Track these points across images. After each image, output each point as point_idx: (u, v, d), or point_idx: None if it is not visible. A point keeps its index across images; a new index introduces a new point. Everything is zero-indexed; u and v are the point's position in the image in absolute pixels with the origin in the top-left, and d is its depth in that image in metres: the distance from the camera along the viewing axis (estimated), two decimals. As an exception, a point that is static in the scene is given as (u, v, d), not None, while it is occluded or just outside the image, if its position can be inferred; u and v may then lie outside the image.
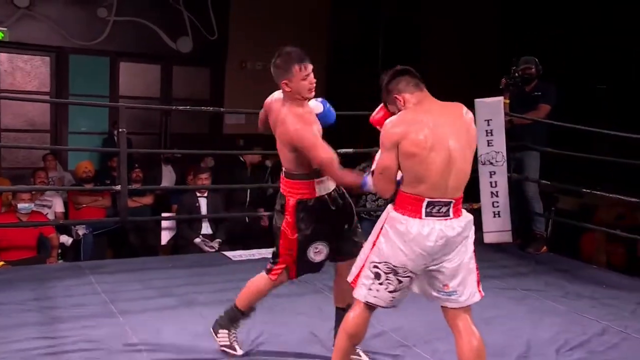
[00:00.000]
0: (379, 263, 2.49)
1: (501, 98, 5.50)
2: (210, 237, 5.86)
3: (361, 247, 2.71)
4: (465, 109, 2.55)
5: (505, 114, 5.48)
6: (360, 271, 2.57)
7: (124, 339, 3.28)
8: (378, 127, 2.63)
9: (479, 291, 2.58)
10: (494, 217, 5.48)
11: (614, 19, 8.20)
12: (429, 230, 2.41)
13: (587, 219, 6.25)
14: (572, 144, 5.74)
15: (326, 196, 2.89)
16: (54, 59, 8.74)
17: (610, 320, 3.83)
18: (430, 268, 2.49)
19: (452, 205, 2.45)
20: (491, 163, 5.50)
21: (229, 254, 5.16)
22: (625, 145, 5.52)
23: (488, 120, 5.49)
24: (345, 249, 2.98)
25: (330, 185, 2.91)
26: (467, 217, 2.51)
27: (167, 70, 9.54)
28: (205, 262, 4.95)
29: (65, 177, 7.61)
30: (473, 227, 2.54)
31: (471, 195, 5.79)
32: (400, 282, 2.49)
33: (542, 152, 5.54)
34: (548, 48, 7.54)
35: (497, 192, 5.48)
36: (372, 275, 2.50)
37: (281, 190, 2.95)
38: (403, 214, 2.44)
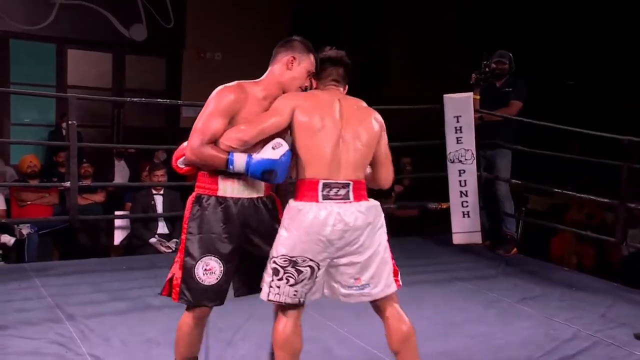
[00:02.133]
0: (277, 258, 2.49)
1: (471, 94, 5.54)
2: (167, 237, 5.81)
3: None
4: (375, 113, 2.64)
5: (475, 110, 5.53)
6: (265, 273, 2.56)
7: (71, 347, 3.23)
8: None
9: (396, 281, 2.62)
10: (463, 217, 5.52)
11: (583, 12, 8.37)
12: (326, 213, 2.44)
13: (557, 220, 6.38)
14: (542, 142, 5.84)
15: (230, 199, 2.54)
16: (-8, 44, 8.55)
17: (580, 325, 3.92)
18: (340, 262, 2.51)
19: (351, 187, 2.49)
20: (460, 161, 5.53)
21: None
22: (597, 144, 5.65)
23: (457, 117, 5.52)
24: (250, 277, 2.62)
25: (246, 189, 2.56)
26: (371, 203, 2.55)
27: (119, 59, 9.43)
28: (161, 264, 4.85)
29: (7, 172, 7.46)
30: (382, 214, 2.57)
31: (440, 194, 5.86)
32: (300, 272, 2.47)
33: (513, 150, 5.61)
34: (517, 40, 7.65)
35: (466, 191, 5.52)
36: (271, 272, 2.50)
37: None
38: (301, 201, 2.48)
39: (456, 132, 5.53)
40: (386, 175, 2.69)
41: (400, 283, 2.65)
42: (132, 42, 9.16)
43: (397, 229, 6.60)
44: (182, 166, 2.62)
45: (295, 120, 2.50)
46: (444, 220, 5.74)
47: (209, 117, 2.46)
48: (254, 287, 2.62)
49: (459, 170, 5.54)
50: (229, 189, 2.54)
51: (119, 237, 6.10)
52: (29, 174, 6.43)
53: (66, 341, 3.30)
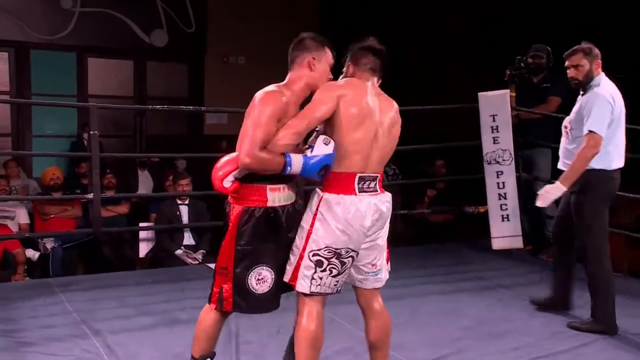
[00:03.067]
0: (319, 250, 2.60)
1: (507, 91, 5.50)
2: (193, 248, 5.82)
3: None
4: (396, 106, 2.78)
5: (512, 108, 5.49)
6: (297, 266, 2.64)
7: (99, 363, 3.24)
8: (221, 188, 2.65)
9: (387, 268, 2.83)
10: (503, 221, 5.48)
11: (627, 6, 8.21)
12: (366, 205, 2.61)
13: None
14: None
15: (279, 208, 2.66)
16: (14, 54, 8.67)
17: (634, 334, 3.81)
18: (362, 247, 2.67)
19: (378, 180, 2.68)
20: (498, 162, 5.51)
21: (213, 266, 5.07)
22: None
23: (493, 116, 5.51)
24: None
25: (290, 195, 2.71)
26: (389, 194, 2.75)
27: (140, 66, 9.52)
28: (188, 276, 4.91)
29: (30, 185, 7.55)
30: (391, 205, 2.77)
31: (477, 197, 5.79)
32: (343, 263, 2.62)
33: (553, 148, 5.52)
34: (556, 33, 7.54)
35: (505, 193, 5.48)
36: (313, 265, 2.61)
37: (229, 197, 2.74)
38: (338, 193, 2.60)
39: (492, 132, 5.52)
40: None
41: (389, 268, 2.84)
42: (153, 48, 9.24)
43: (431, 235, 6.56)
44: (230, 183, 2.64)
45: (340, 111, 2.58)
46: (481, 224, 5.69)
47: (258, 123, 2.52)
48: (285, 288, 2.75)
49: (497, 172, 5.52)
50: (277, 198, 2.67)
51: (144, 249, 6.12)
52: (52, 186, 6.50)
53: (93, 357, 3.31)
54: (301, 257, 2.62)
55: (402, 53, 9.22)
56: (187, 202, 5.96)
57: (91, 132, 4.78)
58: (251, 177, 2.61)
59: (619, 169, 3.86)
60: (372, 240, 2.68)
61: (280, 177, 2.59)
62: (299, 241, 2.64)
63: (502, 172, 5.50)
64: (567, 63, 3.91)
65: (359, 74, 2.72)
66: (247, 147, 2.50)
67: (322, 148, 2.56)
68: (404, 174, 7.54)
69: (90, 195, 4.79)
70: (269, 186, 2.63)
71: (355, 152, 2.60)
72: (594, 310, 3.87)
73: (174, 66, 9.80)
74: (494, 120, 5.49)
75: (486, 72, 7.11)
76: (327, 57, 2.70)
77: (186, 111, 7.71)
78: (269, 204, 2.64)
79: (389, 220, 2.74)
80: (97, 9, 8.79)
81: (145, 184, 7.65)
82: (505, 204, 5.49)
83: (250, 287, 2.65)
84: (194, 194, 6.03)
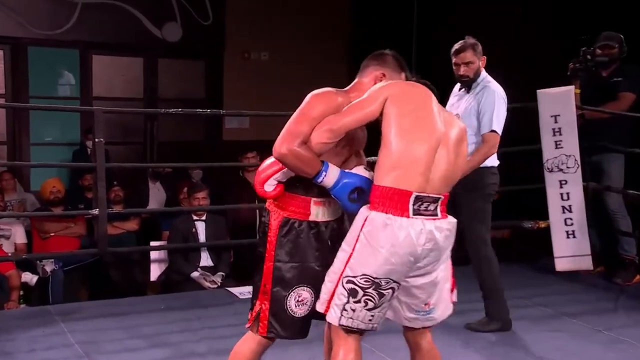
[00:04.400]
0: (355, 277, 2.51)
1: (571, 88, 5.45)
2: (211, 270, 5.83)
3: None
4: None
5: (577, 107, 5.43)
6: (332, 294, 2.58)
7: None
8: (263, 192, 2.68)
9: (451, 299, 2.73)
10: (568, 237, 5.41)
11: None
12: (418, 231, 2.48)
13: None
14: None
15: (322, 223, 2.74)
16: (9, 52, 8.79)
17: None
18: (413, 283, 2.59)
19: (439, 202, 2.55)
20: (561, 170, 5.45)
21: (234, 290, 5.15)
22: None
23: (555, 116, 5.45)
24: None
25: (335, 211, 2.76)
26: (452, 220, 2.62)
27: (151, 64, 9.59)
28: (205, 302, 4.93)
29: (28, 199, 7.63)
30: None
31: (537, 210, 5.72)
32: (381, 295, 2.53)
33: (626, 153, 5.47)
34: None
35: (570, 206, 5.42)
36: (347, 293, 2.53)
37: (267, 204, 2.82)
38: (387, 213, 2.49)
39: (554, 135, 5.46)
40: None
41: (455, 298, 2.74)
42: (165, 44, 9.29)
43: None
44: (272, 187, 2.68)
45: (388, 112, 2.53)
46: (542, 242, 5.62)
47: (305, 116, 2.58)
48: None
49: (560, 181, 5.46)
50: (320, 212, 2.72)
51: (156, 271, 6.14)
52: (52, 201, 6.56)
53: (98, 396, 3.32)
54: (337, 283, 2.56)
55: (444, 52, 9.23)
56: (204, 217, 5.97)
57: (96, 139, 4.82)
58: (295, 186, 2.69)
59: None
60: (425, 274, 2.58)
61: (325, 190, 2.63)
62: (337, 264, 2.58)
63: (566, 182, 5.43)
64: (456, 60, 4.23)
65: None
66: (287, 138, 2.54)
67: (360, 170, 2.61)
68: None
69: (96, 211, 4.82)
70: (313, 199, 2.69)
71: (413, 163, 2.50)
72: (487, 310, 4.30)
73: (189, 64, 9.85)
74: (556, 122, 5.43)
75: (544, 66, 7.05)
76: (394, 67, 2.78)
77: (203, 114, 7.75)
78: (312, 217, 2.71)
79: (449, 252, 2.63)
80: (102, 0, 8.88)
81: (157, 198, 7.68)
82: (571, 218, 5.42)
83: (289, 309, 2.69)
84: (212, 208, 6.05)
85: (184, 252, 5.90)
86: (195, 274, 5.78)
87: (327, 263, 2.68)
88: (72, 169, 8.34)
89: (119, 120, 9.06)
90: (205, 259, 5.89)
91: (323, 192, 2.66)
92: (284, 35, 9.67)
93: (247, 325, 2.77)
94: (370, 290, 2.50)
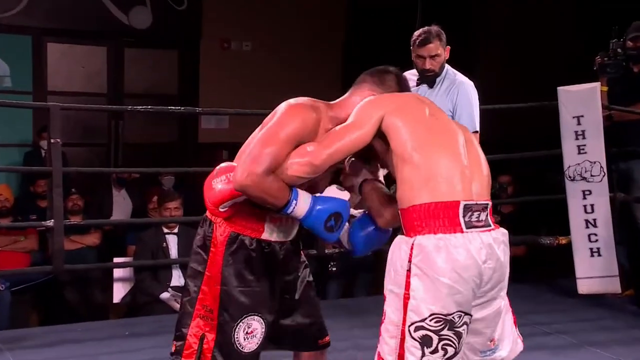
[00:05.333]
0: (424, 320, 2.34)
1: (597, 85, 5.47)
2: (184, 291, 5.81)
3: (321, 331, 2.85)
4: None
5: (603, 107, 5.47)
6: (401, 352, 2.38)
7: None
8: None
9: (519, 335, 2.64)
10: (592, 256, 5.41)
11: None
12: (478, 246, 2.38)
13: None
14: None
15: (276, 243, 2.68)
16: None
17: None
18: (475, 316, 2.44)
19: (488, 208, 2.47)
20: (584, 178, 5.46)
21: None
22: None
23: (578, 117, 5.47)
24: (292, 335, 2.84)
25: (292, 230, 2.73)
26: (504, 230, 2.54)
27: (116, 54, 9.58)
28: (175, 328, 4.90)
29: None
30: None
31: (556, 224, 5.73)
32: (459, 336, 2.37)
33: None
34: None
35: (594, 220, 5.43)
36: (419, 344, 2.34)
37: (208, 212, 2.75)
38: (436, 233, 2.36)
39: (577, 139, 5.48)
40: None
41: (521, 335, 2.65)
42: (132, 31, 9.29)
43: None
44: (226, 209, 2.63)
45: (393, 127, 2.46)
46: (563, 260, 5.64)
47: (273, 138, 2.46)
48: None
49: (583, 191, 5.47)
50: (276, 231, 2.66)
51: (119, 292, 6.13)
52: (-2, 210, 6.54)
53: None
54: (403, 336, 2.37)
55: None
56: (176, 230, 5.97)
57: (52, 140, 4.80)
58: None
59: None
60: (490, 302, 2.45)
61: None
62: (392, 314, 2.41)
63: (590, 192, 5.44)
64: (419, 52, 4.22)
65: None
66: (250, 165, 2.42)
67: (333, 191, 2.53)
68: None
69: (50, 222, 4.80)
70: (269, 215, 2.61)
71: (448, 171, 2.41)
72: None
73: (160, 54, 9.84)
74: (579, 123, 5.44)
75: (566, 60, 7.09)
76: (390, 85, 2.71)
77: (176, 113, 7.71)
78: (264, 236, 2.64)
79: (507, 272, 2.52)
80: (61, -20, 8.89)
81: (121, 207, 7.68)
82: (595, 234, 5.42)
83: (237, 343, 2.60)
84: (186, 219, 6.03)
85: (153, 270, 5.88)
86: (165, 295, 5.78)
87: (279, 288, 2.69)
88: (22, 173, 8.31)
89: (79, 118, 9.04)
90: (177, 278, 5.86)
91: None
92: (269, 22, 9.66)
93: (184, 357, 2.67)
94: (445, 331, 2.35)
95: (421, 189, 2.39)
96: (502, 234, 2.48)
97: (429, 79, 4.25)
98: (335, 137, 2.47)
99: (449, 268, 2.33)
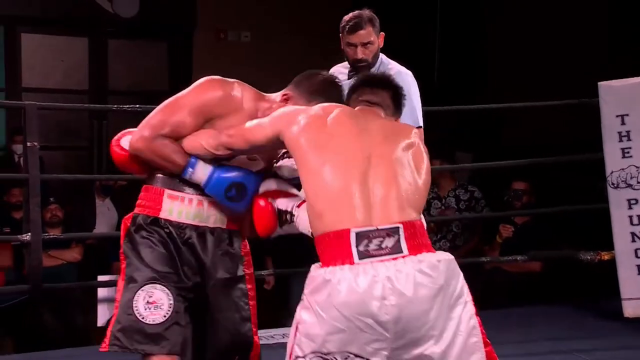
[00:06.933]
0: (305, 357, 2.42)
1: (644, 79, 5.48)
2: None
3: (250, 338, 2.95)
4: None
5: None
6: None
7: None
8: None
9: None
10: (639, 274, 5.39)
11: None
12: (369, 280, 2.33)
13: None
14: None
15: (176, 224, 2.87)
16: None
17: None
18: (404, 358, 2.39)
19: (401, 233, 2.40)
20: (630, 185, 5.45)
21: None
22: None
23: (622, 117, 5.46)
24: (219, 342, 2.94)
25: (204, 216, 2.90)
26: (439, 256, 2.45)
27: (99, 46, 9.59)
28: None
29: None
30: (460, 274, 2.48)
31: (598, 238, 5.70)
32: None
33: None
34: None
35: (641, 232, 5.44)
36: None
37: None
38: (328, 265, 2.40)
39: (621, 140, 5.47)
40: None
41: None
42: (117, 20, 9.30)
43: (513, 291, 6.51)
44: (125, 148, 2.92)
45: (290, 139, 2.57)
46: (606, 278, 5.63)
47: (174, 105, 2.86)
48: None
49: (629, 200, 5.47)
50: (177, 211, 2.87)
51: (104, 314, 6.09)
52: (-33, 222, 6.53)
53: None
54: None
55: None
56: (167, 245, 5.94)
57: (28, 143, 4.78)
58: (157, 178, 2.90)
59: None
60: (412, 343, 2.37)
61: (192, 185, 2.83)
62: (288, 346, 2.50)
63: (636, 201, 5.44)
64: (350, 39, 4.19)
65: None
66: (144, 130, 2.82)
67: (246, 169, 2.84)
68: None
69: (27, 236, 4.80)
70: (168, 191, 2.88)
71: (340, 196, 2.44)
72: None
73: (148, 46, 9.87)
74: (623, 123, 5.44)
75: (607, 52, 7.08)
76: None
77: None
78: (163, 214, 2.86)
79: (459, 304, 2.43)
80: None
81: (106, 218, 7.66)
82: (643, 249, 5.44)
83: (137, 313, 2.77)
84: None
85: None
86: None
87: (188, 273, 2.86)
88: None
89: (57, 117, 9.05)
90: (169, 298, 5.85)
91: (185, 185, 2.85)
92: (269, 10, 9.69)
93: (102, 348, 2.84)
94: None
95: (317, 220, 2.48)
96: (421, 262, 2.38)
97: (361, 70, 4.14)
98: (238, 130, 2.73)
99: (329, 304, 2.36)
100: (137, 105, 6.79)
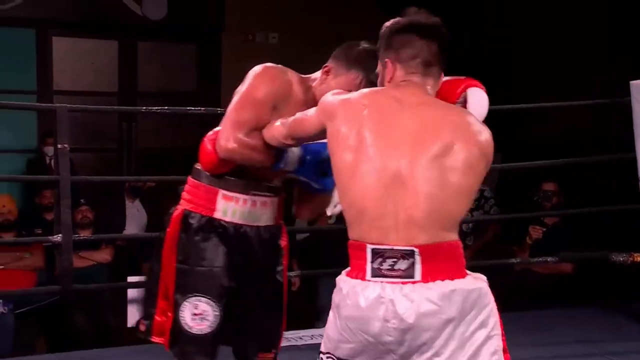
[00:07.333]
0: (324, 354, 2.46)
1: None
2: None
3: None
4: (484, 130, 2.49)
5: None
6: None
7: None
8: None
9: None
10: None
11: None
12: (373, 300, 2.27)
13: None
14: None
15: (231, 225, 2.89)
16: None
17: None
18: None
19: (416, 257, 2.27)
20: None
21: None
22: None
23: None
24: (257, 340, 3.03)
25: (256, 216, 2.93)
26: (455, 285, 2.29)
27: (128, 48, 9.62)
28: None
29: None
30: (489, 306, 2.34)
31: (631, 239, 5.66)
32: None
33: None
34: None
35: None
36: None
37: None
38: (347, 275, 2.39)
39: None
40: None
41: None
42: (146, 23, 9.31)
43: (543, 293, 6.50)
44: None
45: (330, 133, 2.47)
46: (622, 278, 5.71)
47: (246, 101, 2.89)
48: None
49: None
50: (231, 211, 2.88)
51: (134, 315, 6.10)
52: (1, 224, 6.55)
53: None
54: None
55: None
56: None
57: (58, 145, 4.79)
58: (204, 175, 2.92)
59: None
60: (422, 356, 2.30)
61: (246, 184, 2.86)
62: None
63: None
64: None
65: (399, 80, 2.47)
66: (228, 131, 2.81)
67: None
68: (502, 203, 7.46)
69: (58, 237, 4.81)
70: (222, 191, 2.87)
71: (362, 207, 2.33)
72: None
73: (177, 48, 9.87)
74: (655, 122, 5.38)
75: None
76: (344, 79, 2.92)
77: (195, 114, 7.68)
78: (217, 214, 2.87)
79: (476, 335, 2.30)
80: (67, -32, 8.94)
81: (136, 220, 7.69)
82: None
83: (183, 322, 2.84)
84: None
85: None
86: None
87: (233, 275, 2.87)
88: (26, 183, 8.33)
89: (87, 120, 9.07)
90: (198, 299, 5.85)
91: (239, 186, 2.87)
92: (297, 11, 9.69)
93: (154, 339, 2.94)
94: None
95: (347, 224, 2.41)
96: (430, 290, 2.26)
97: None
98: (296, 121, 2.68)
99: (339, 314, 2.38)
100: (166, 107, 6.84)
